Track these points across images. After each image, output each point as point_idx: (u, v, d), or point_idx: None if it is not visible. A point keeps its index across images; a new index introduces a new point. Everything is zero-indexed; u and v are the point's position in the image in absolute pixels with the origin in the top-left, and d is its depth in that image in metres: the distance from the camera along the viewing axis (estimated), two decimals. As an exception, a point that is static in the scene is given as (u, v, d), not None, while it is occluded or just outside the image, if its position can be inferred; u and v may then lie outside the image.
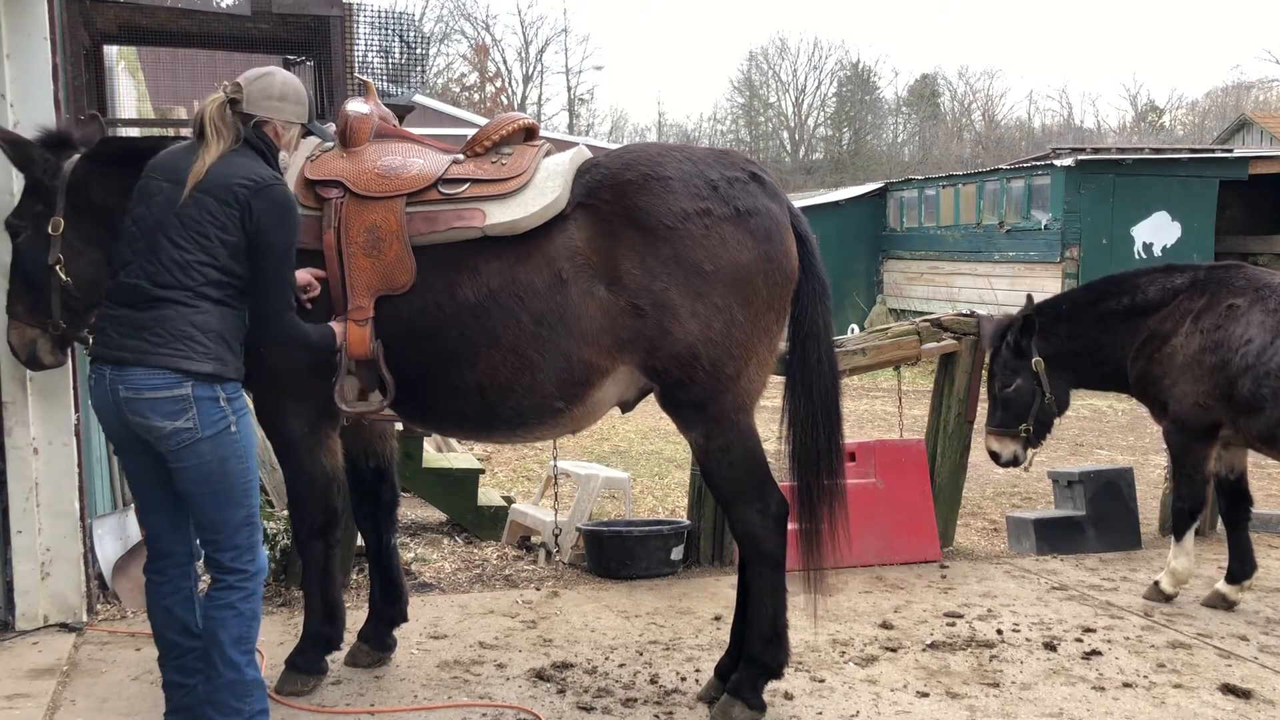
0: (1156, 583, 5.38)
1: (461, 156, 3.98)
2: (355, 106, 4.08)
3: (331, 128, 3.96)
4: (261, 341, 3.51)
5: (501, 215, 3.74)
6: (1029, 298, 5.67)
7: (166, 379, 3.20)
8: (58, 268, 3.77)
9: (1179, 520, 5.35)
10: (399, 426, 4.62)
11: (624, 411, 4.11)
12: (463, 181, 3.84)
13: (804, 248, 3.86)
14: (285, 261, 3.39)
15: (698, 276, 3.64)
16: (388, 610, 4.48)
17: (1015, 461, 5.55)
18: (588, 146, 4.21)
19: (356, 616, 4.63)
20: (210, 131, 3.33)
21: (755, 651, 3.90)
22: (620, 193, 3.72)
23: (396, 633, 4.50)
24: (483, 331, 3.73)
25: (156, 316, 3.22)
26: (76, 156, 3.88)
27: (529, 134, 4.10)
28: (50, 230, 3.78)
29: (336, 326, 3.70)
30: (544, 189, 3.78)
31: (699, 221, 3.66)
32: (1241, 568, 5.30)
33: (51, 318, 3.86)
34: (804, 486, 3.91)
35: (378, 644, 4.45)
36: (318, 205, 3.83)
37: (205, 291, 3.27)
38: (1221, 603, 5.29)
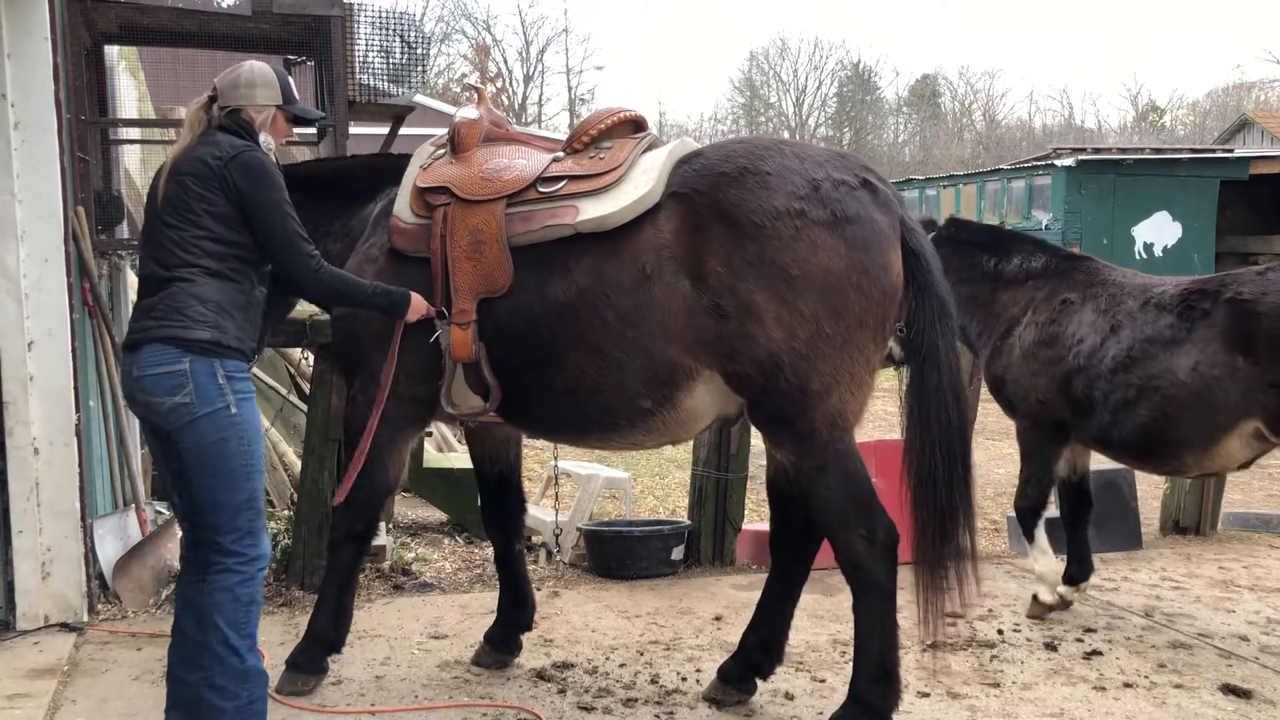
0: (1035, 596, 5.10)
1: (562, 154, 3.93)
2: (464, 113, 4.09)
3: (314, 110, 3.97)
4: (297, 293, 3.61)
5: (593, 210, 3.65)
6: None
7: (167, 354, 3.29)
8: None
9: (1023, 520, 5.12)
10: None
11: (727, 427, 3.97)
12: (560, 179, 3.77)
13: (918, 264, 3.59)
14: (279, 214, 3.44)
15: (784, 281, 3.42)
16: (514, 615, 4.47)
17: (891, 359, 5.08)
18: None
19: (357, 617, 4.63)
20: (186, 129, 3.53)
21: (860, 690, 3.63)
22: (714, 185, 3.55)
23: (398, 633, 4.51)
24: (569, 331, 3.64)
25: (163, 296, 3.35)
26: None
27: (636, 126, 4.00)
28: None
29: (418, 298, 3.70)
30: (638, 183, 3.66)
31: (790, 222, 3.44)
32: (1080, 570, 5.18)
33: None
34: (917, 522, 3.60)
35: (502, 647, 4.45)
36: (428, 213, 3.83)
37: (204, 264, 3.38)
38: (1060, 604, 5.16)
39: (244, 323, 3.44)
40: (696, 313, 3.53)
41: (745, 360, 3.50)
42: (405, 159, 4.18)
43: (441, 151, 4.01)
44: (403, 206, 3.91)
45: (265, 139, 3.62)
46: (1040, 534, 5.10)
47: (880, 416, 11.73)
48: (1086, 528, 5.25)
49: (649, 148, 3.87)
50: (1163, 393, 4.56)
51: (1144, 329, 4.67)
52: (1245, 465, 4.74)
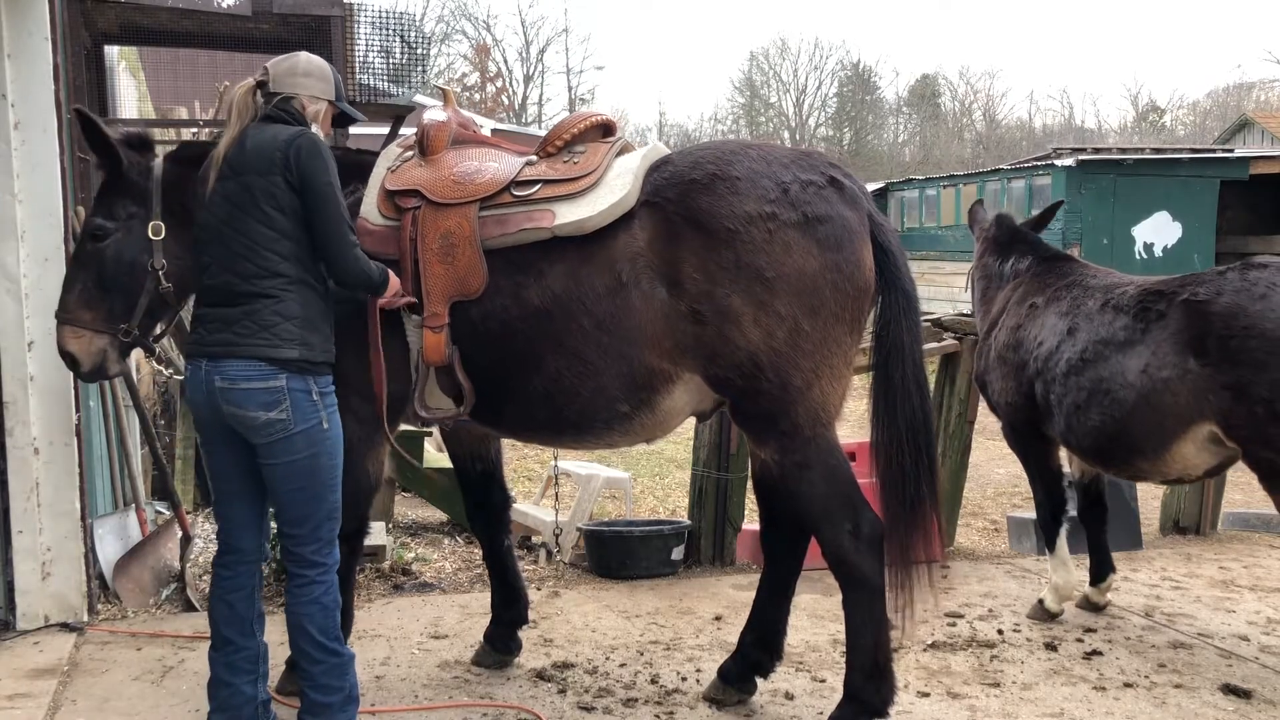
0: (1041, 601, 5.08)
1: (535, 157, 3.92)
2: (433, 115, 4.06)
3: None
4: (336, 281, 3.53)
5: (570, 215, 3.65)
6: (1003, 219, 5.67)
7: (261, 370, 3.27)
8: (160, 272, 3.73)
9: (1045, 528, 5.11)
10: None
11: (700, 421, 3.99)
12: (534, 183, 3.75)
13: (886, 259, 3.63)
14: (333, 198, 3.39)
15: (759, 283, 3.47)
16: (507, 613, 4.47)
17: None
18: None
19: (357, 617, 4.62)
20: (233, 115, 3.43)
21: (855, 687, 3.65)
22: (684, 192, 3.57)
23: (397, 633, 4.50)
24: (546, 335, 3.64)
25: (246, 311, 3.30)
26: (159, 159, 3.86)
27: (605, 130, 4.01)
28: (151, 234, 3.73)
29: (394, 281, 3.64)
30: (614, 186, 3.67)
31: (762, 226, 3.48)
32: (1099, 570, 5.18)
33: (129, 323, 3.76)
34: (887, 516, 3.63)
35: (501, 646, 4.45)
36: (397, 215, 3.81)
37: (284, 271, 3.33)
38: (1087, 605, 5.19)
39: (328, 332, 3.44)
40: (674, 319, 3.55)
41: (725, 363, 3.54)
42: (369, 154, 4.15)
43: (410, 154, 3.97)
44: (370, 208, 3.87)
45: (315, 131, 3.57)
46: (1062, 545, 5.08)
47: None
48: (1102, 529, 5.21)
49: (620, 152, 3.88)
50: (1112, 395, 4.48)
51: (1099, 330, 4.61)
52: (1212, 473, 4.63)
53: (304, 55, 3.59)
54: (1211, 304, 4.25)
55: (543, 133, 4.16)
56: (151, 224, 3.75)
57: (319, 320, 3.41)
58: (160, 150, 4.13)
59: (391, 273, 3.64)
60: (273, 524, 4.20)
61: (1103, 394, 4.52)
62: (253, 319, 3.30)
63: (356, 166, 4.09)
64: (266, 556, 3.68)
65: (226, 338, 3.30)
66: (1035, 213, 5.69)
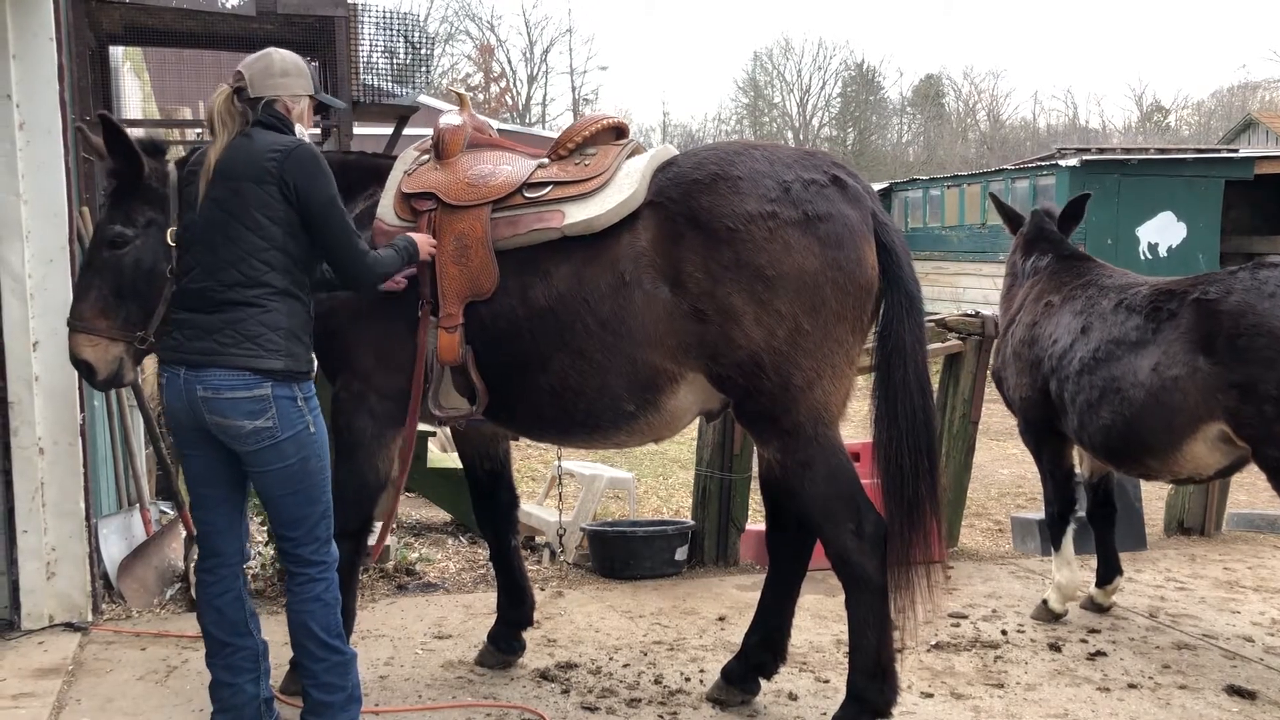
0: (1045, 601, 5.08)
1: (547, 160, 3.95)
2: (448, 119, 4.10)
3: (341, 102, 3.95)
4: (356, 290, 3.55)
5: (579, 214, 3.68)
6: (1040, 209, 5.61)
7: (246, 379, 3.25)
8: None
9: (1052, 526, 5.15)
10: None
11: (709, 421, 3.99)
12: (545, 185, 3.79)
13: (889, 258, 3.62)
14: (335, 212, 3.39)
15: (760, 282, 3.48)
16: (513, 613, 4.49)
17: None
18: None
19: (361, 617, 4.63)
20: (218, 123, 3.39)
21: (858, 687, 3.67)
22: (687, 192, 3.60)
23: (401, 633, 4.50)
24: (551, 334, 3.67)
25: (227, 319, 3.27)
26: (173, 164, 3.85)
27: (618, 133, 4.04)
28: (170, 241, 3.66)
29: (417, 237, 3.67)
30: (621, 186, 3.71)
31: (762, 225, 3.50)
32: (1106, 571, 5.18)
33: (146, 330, 3.70)
34: (886, 515, 3.63)
35: (505, 647, 4.46)
36: (413, 218, 3.84)
37: (270, 281, 3.30)
38: (1091, 606, 5.20)
39: (309, 343, 3.44)
40: (677, 318, 3.57)
41: (727, 362, 3.56)
42: (385, 158, 4.17)
43: (426, 157, 4.02)
44: (387, 210, 3.91)
45: (300, 130, 3.54)
46: (1067, 543, 5.10)
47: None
48: (1110, 530, 5.21)
49: (632, 154, 3.91)
50: (1123, 394, 4.50)
51: (1112, 330, 4.64)
52: (1224, 473, 4.63)
53: (276, 53, 3.53)
54: (1221, 303, 4.26)
55: (546, 133, 4.17)
56: (170, 230, 3.70)
57: (301, 332, 3.39)
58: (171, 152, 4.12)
59: (414, 236, 3.68)
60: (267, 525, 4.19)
61: (1114, 392, 4.53)
62: (236, 328, 3.26)
63: (374, 170, 4.11)
64: (248, 557, 3.66)
65: (208, 346, 3.26)
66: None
